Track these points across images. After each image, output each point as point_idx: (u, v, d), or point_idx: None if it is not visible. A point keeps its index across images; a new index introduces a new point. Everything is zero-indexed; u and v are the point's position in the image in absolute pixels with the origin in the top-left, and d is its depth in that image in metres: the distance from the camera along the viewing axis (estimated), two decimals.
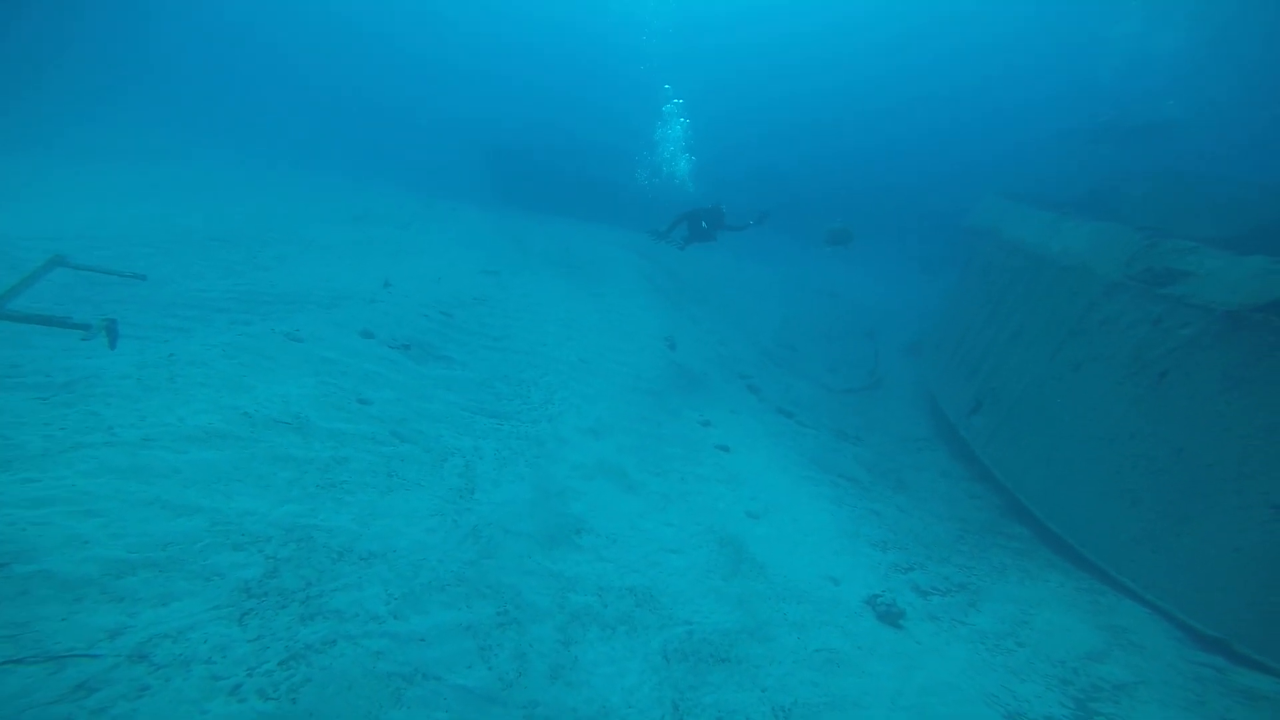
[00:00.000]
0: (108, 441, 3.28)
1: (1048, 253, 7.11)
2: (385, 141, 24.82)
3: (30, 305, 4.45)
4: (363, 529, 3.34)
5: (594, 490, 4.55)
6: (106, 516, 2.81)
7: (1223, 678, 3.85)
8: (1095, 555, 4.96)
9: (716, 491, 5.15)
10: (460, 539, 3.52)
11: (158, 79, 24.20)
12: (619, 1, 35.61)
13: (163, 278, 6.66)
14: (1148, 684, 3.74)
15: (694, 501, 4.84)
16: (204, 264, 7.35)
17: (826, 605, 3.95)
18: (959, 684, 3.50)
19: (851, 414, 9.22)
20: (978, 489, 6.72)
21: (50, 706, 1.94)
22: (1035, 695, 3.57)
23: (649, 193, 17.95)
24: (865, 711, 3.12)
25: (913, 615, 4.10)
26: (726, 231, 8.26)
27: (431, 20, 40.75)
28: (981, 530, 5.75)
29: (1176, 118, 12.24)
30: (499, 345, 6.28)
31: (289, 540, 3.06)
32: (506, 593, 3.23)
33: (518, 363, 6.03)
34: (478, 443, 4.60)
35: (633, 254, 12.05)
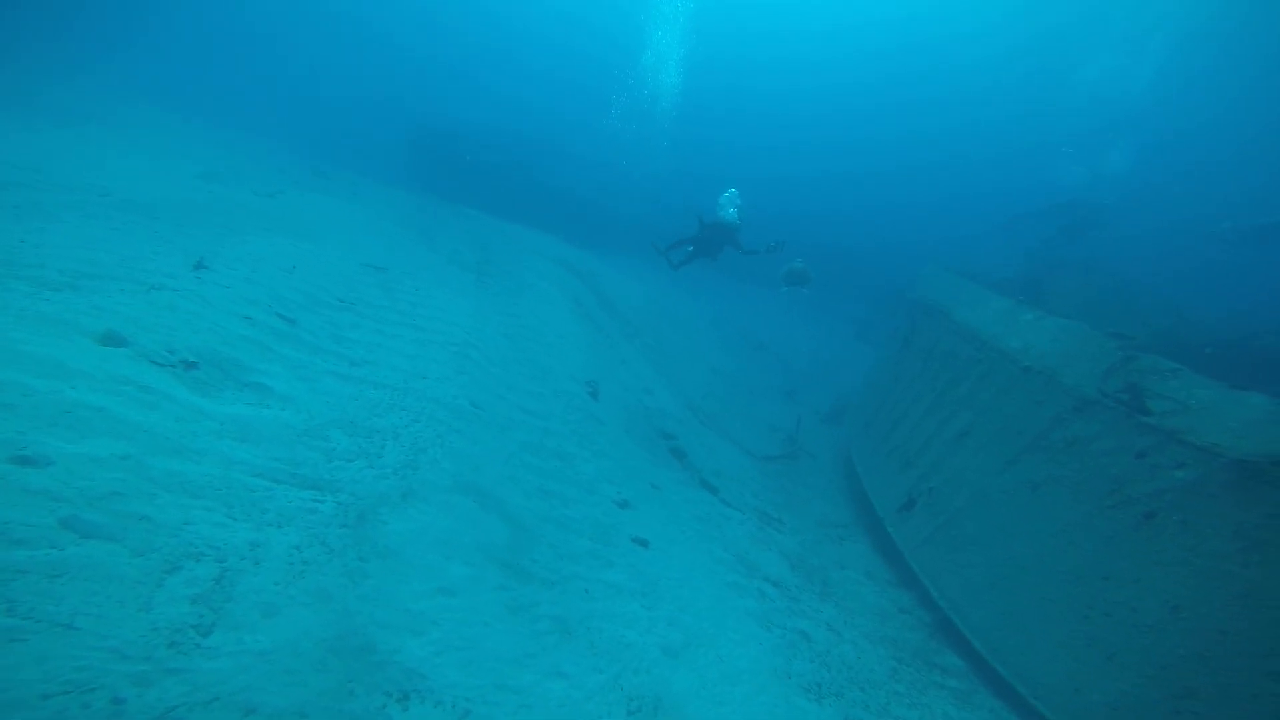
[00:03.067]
0: None
1: (1006, 347, 6.63)
2: (302, 106, 21.84)
3: None
4: None
5: (452, 615, 3.22)
6: None
7: None
8: (1059, 718, 4.26)
9: (629, 612, 3.97)
10: None
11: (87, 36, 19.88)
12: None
13: None
14: None
15: (600, 634, 3.62)
16: None
17: None
18: None
19: (773, 489, 8.42)
20: (905, 599, 6.02)
21: None
22: None
23: (597, 206, 16.75)
24: None
25: None
26: (732, 252, 7.50)
27: None
28: (915, 659, 4.97)
29: (1108, 204, 12.85)
30: (355, 373, 4.63)
31: None
32: None
33: (376, 402, 4.46)
34: (263, 534, 3.00)
35: (563, 269, 10.72)
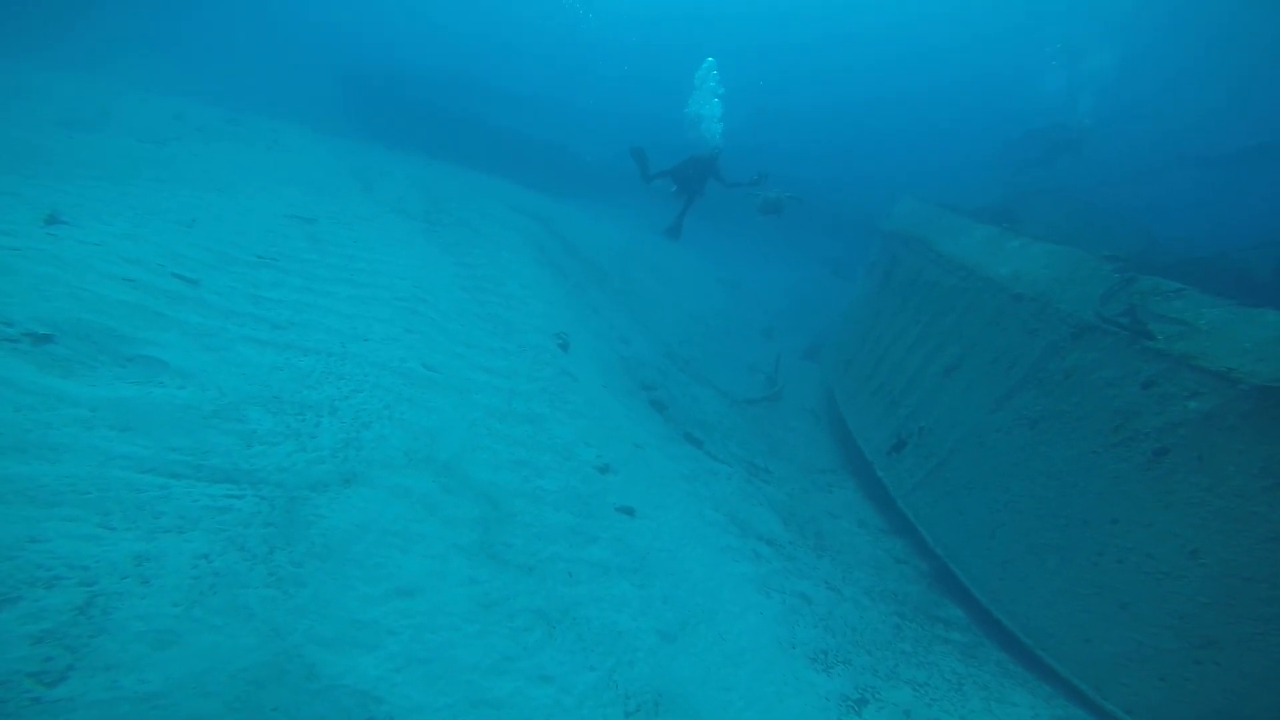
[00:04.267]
0: None
1: (993, 275, 6.26)
2: (209, 45, 19.29)
3: None
4: None
5: (412, 621, 2.73)
6: None
7: None
8: (1068, 669, 4.09)
9: (619, 594, 3.56)
10: None
11: None
12: None
13: None
14: None
15: (588, 624, 3.20)
16: None
17: None
18: None
19: (757, 435, 8.11)
20: (899, 547, 5.82)
21: None
22: None
23: (558, 148, 15.57)
24: None
25: None
26: (717, 186, 7.09)
27: None
28: (918, 614, 4.75)
29: (1088, 128, 12.53)
30: (279, 338, 3.88)
31: None
32: None
33: (307, 371, 3.78)
34: (154, 545, 2.37)
35: (523, 215, 9.85)
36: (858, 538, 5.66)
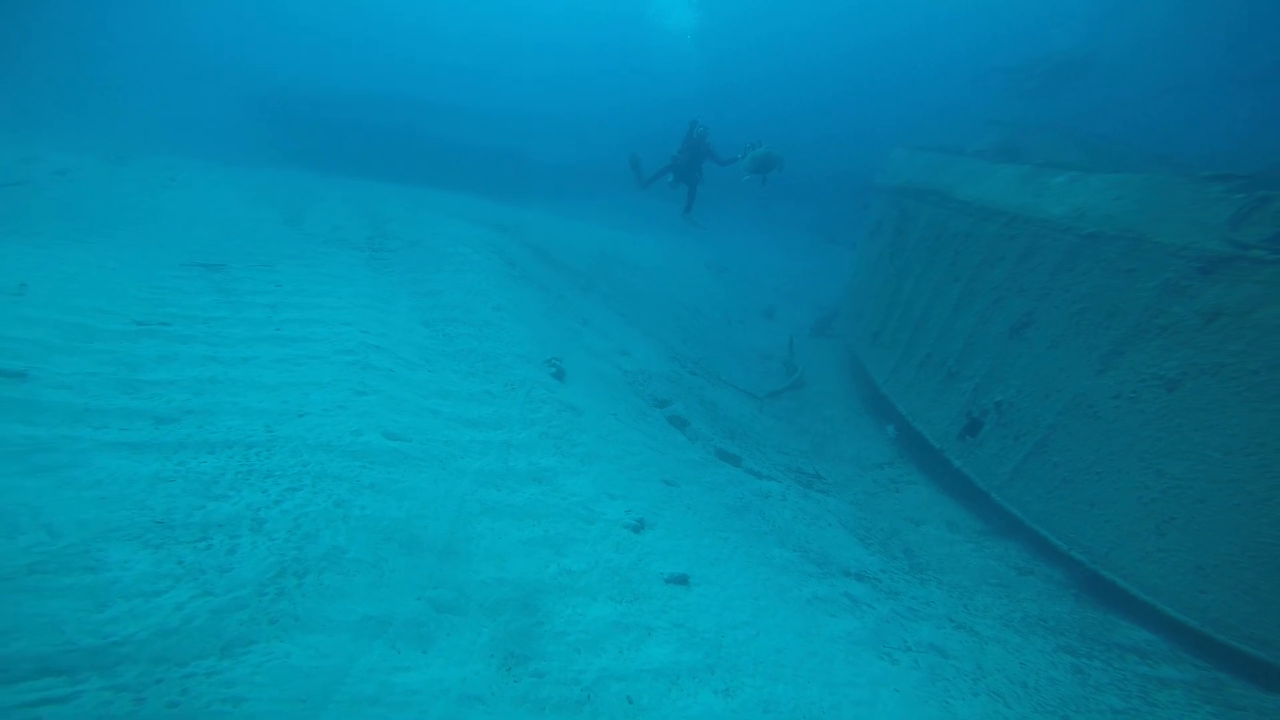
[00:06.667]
0: None
1: (1048, 216, 5.31)
2: (96, 73, 17.32)
3: None
4: None
5: None
6: None
7: None
8: None
9: (702, 713, 2.49)
10: None
11: None
12: None
13: None
14: None
15: None
16: None
17: None
18: None
19: (792, 432, 7.09)
20: (1012, 552, 4.71)
21: None
22: None
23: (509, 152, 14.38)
24: None
25: None
26: (715, 167, 6.94)
27: None
28: (1093, 645, 3.62)
29: (1092, 53, 11.66)
30: (165, 436, 2.68)
31: None
32: None
33: (210, 475, 2.63)
34: None
35: (486, 228, 8.70)
36: (956, 547, 4.65)
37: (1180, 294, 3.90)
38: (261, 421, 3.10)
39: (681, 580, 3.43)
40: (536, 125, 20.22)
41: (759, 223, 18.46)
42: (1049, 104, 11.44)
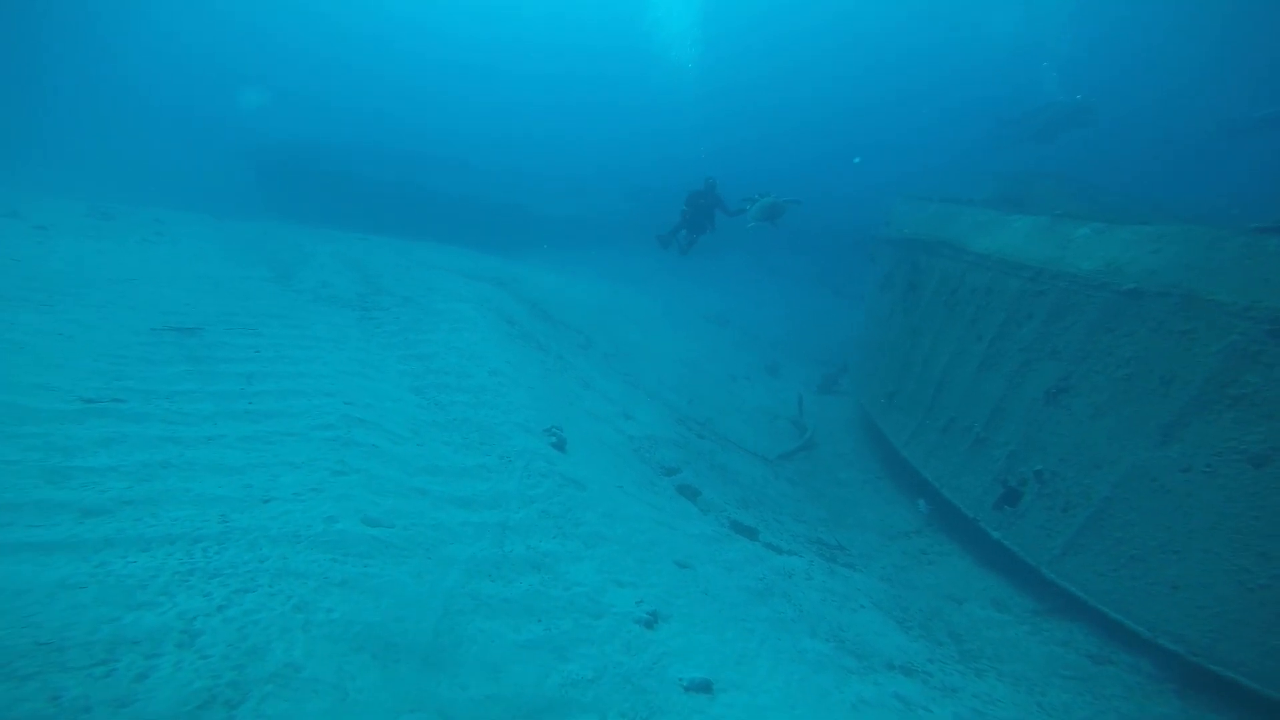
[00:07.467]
0: None
1: (1077, 271, 5.05)
2: (85, 126, 17.43)
3: None
4: None
5: None
6: None
7: None
8: None
9: None
10: None
11: None
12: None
13: None
14: None
15: None
16: None
17: None
18: None
19: (807, 498, 6.62)
20: (1076, 636, 4.16)
21: None
22: None
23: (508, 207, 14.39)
24: None
25: None
26: (724, 217, 7.24)
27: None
28: None
29: (1090, 103, 11.87)
30: (90, 532, 2.10)
31: None
32: None
33: (136, 579, 2.11)
34: None
35: (483, 283, 8.46)
36: (1009, 630, 4.14)
37: (1254, 360, 3.56)
38: (216, 510, 2.67)
39: (704, 687, 2.94)
40: (535, 179, 20.52)
41: (759, 274, 18.44)
42: (1046, 152, 11.60)
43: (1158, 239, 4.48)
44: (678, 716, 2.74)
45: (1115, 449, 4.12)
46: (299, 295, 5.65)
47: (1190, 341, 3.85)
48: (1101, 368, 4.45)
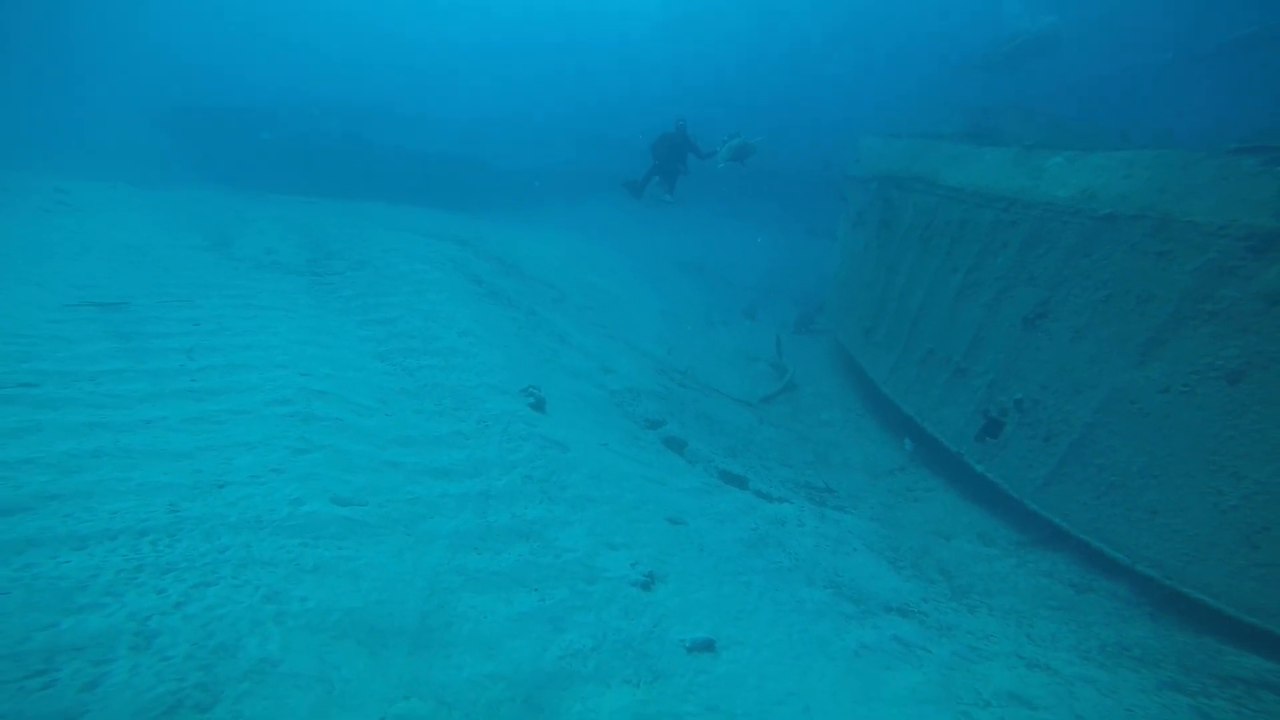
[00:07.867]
0: None
1: (1052, 199, 4.95)
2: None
3: None
4: None
5: None
6: None
7: None
8: None
9: None
10: None
11: None
12: None
13: None
14: None
15: None
16: None
17: None
18: None
19: (792, 440, 6.60)
20: (1060, 567, 4.21)
21: None
22: None
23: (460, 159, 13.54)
24: None
25: None
26: (697, 162, 7.01)
27: None
28: (1200, 680, 3.08)
29: (1058, 30, 11.60)
30: (10, 532, 2.07)
31: None
32: None
33: (73, 580, 1.90)
34: None
35: (445, 242, 7.98)
36: (996, 563, 4.20)
37: (1230, 276, 3.51)
38: (164, 499, 2.41)
39: (707, 646, 2.87)
40: (494, 129, 19.49)
41: (731, 218, 18.11)
42: (1011, 81, 11.39)
43: (1130, 164, 4.39)
44: (683, 678, 2.67)
45: (1095, 371, 4.11)
46: (239, 264, 5.16)
47: (1167, 261, 3.80)
48: (1079, 291, 4.41)
